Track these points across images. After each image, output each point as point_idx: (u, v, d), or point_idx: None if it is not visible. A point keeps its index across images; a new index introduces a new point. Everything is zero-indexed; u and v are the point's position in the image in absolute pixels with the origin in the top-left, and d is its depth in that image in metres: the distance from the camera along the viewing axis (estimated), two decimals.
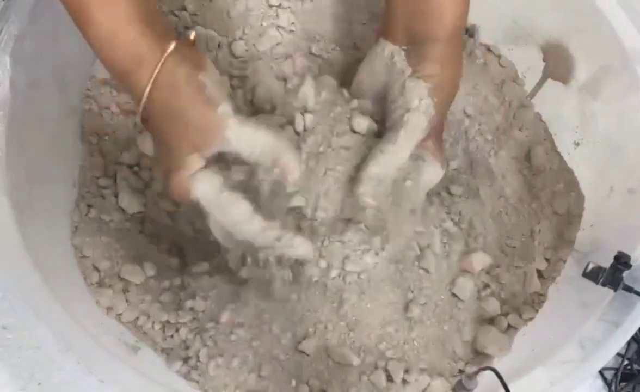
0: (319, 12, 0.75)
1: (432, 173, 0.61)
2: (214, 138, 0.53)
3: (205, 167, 0.54)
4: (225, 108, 0.53)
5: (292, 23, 0.75)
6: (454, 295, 0.63)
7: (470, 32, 0.75)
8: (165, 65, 0.52)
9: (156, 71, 0.51)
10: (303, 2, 0.75)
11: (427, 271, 0.63)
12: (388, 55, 0.61)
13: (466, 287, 0.63)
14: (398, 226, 0.61)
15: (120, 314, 0.60)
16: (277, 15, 0.74)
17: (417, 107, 0.59)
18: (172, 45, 0.52)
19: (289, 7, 0.75)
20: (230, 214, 0.55)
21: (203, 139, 0.53)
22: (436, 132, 0.61)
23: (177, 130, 0.53)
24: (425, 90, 0.59)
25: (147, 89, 0.52)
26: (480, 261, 0.65)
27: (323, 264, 0.59)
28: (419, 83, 0.59)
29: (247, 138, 0.54)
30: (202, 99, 0.53)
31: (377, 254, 0.60)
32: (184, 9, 0.73)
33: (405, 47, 0.61)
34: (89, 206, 0.65)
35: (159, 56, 0.51)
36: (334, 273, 0.59)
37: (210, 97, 0.53)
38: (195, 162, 0.54)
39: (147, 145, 0.68)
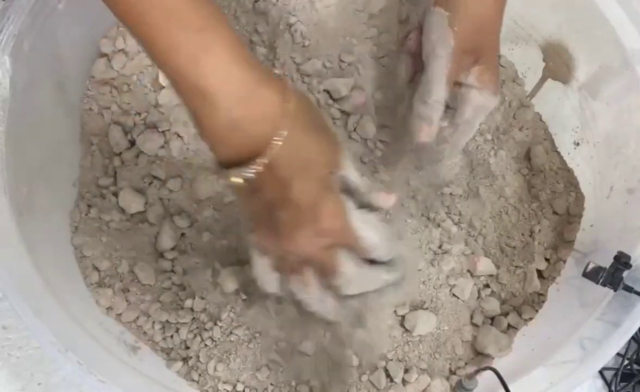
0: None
1: (485, 100, 0.58)
2: (343, 161, 0.48)
3: None
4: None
5: None
6: (454, 295, 0.63)
7: None
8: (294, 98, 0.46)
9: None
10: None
11: (427, 271, 0.63)
12: None
13: (466, 287, 0.63)
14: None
15: (120, 314, 0.60)
16: None
17: (435, 40, 0.56)
18: (290, 86, 0.46)
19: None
20: (380, 231, 0.50)
21: (336, 158, 0.48)
22: (485, 55, 0.58)
23: (319, 147, 0.47)
24: (444, 20, 0.55)
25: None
26: (485, 266, 0.65)
27: None
28: (439, 13, 0.56)
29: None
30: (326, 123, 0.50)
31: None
32: None
33: None
34: (89, 205, 0.65)
35: (280, 93, 0.45)
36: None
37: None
38: (337, 182, 0.48)
39: (147, 144, 0.68)
